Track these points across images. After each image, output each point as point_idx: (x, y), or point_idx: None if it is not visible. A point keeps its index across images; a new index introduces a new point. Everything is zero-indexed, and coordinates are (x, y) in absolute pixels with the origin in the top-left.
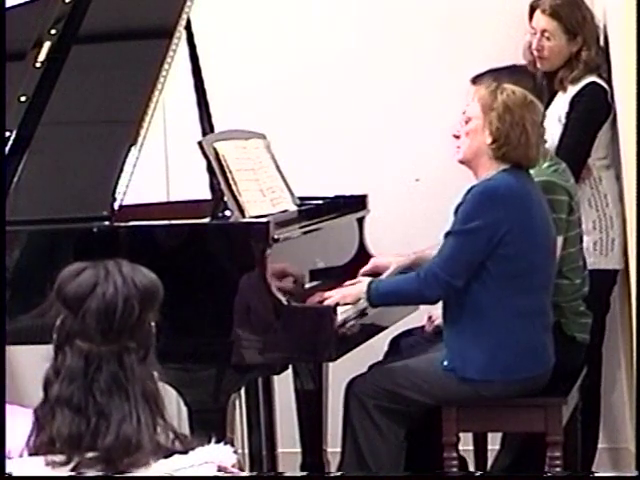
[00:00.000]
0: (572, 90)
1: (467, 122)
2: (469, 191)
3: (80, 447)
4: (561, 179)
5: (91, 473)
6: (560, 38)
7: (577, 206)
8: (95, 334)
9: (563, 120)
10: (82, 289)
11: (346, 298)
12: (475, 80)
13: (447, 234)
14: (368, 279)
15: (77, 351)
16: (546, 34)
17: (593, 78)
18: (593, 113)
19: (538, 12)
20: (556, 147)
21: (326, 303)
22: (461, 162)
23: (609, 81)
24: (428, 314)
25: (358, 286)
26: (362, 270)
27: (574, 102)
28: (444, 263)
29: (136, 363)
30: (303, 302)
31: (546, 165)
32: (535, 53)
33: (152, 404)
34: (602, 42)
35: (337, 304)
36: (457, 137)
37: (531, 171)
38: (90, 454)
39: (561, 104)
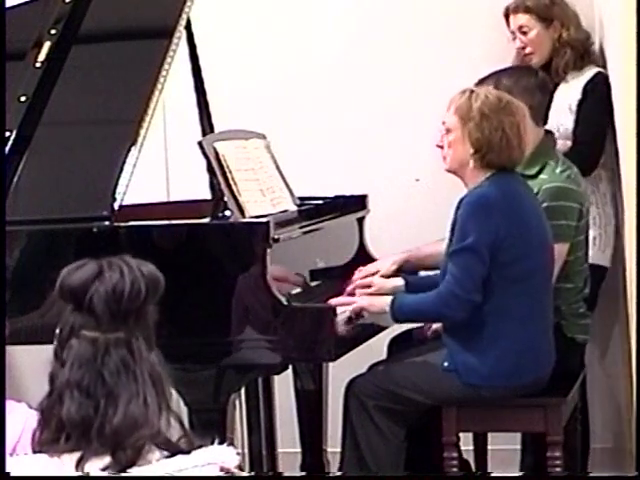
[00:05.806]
0: (577, 78)
1: (447, 132)
2: (459, 203)
3: (89, 431)
4: (574, 185)
5: (96, 465)
6: (537, 27)
7: (586, 211)
8: (103, 318)
9: (574, 108)
10: (87, 275)
11: (372, 307)
12: (479, 84)
13: (451, 254)
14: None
15: (84, 340)
16: (523, 29)
17: (598, 69)
18: (606, 101)
19: (511, 16)
20: (571, 138)
21: (352, 307)
22: (449, 171)
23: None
24: None
25: (384, 299)
26: (355, 283)
27: (587, 90)
28: (460, 283)
29: (144, 347)
30: (323, 302)
31: (559, 170)
32: (521, 52)
33: (159, 388)
34: (601, 40)
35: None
36: (441, 147)
37: (544, 176)
38: (97, 444)
39: (569, 93)
